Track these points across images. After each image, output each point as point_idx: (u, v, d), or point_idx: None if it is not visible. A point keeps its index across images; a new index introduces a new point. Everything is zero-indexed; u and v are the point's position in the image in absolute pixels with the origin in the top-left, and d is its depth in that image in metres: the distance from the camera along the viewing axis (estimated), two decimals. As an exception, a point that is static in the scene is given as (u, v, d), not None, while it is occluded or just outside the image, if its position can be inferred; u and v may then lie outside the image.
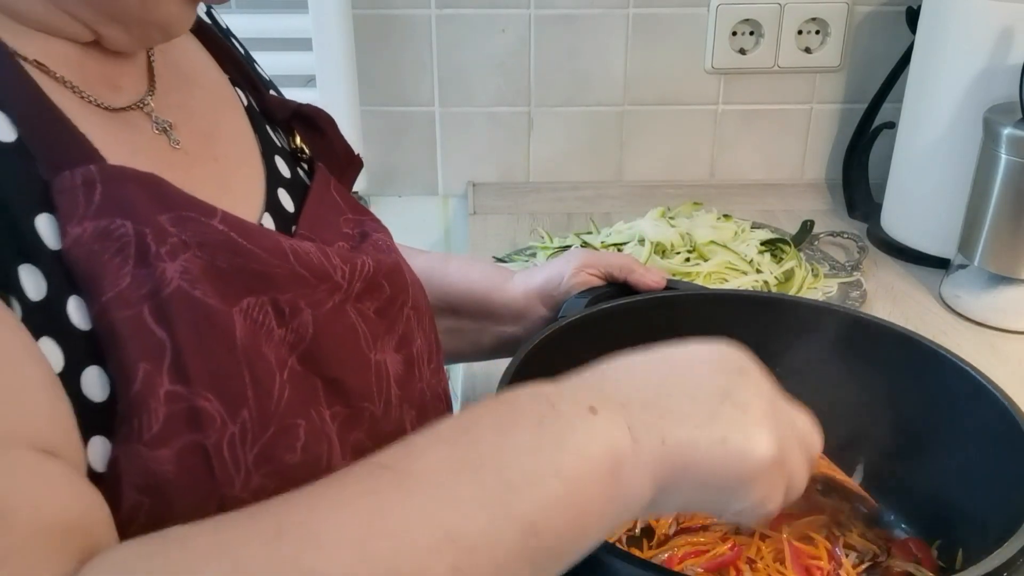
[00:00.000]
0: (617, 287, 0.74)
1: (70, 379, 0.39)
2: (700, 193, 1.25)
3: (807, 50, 1.24)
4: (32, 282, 0.39)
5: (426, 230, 1.35)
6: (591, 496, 0.38)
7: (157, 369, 0.40)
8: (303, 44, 1.18)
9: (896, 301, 1.02)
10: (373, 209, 1.31)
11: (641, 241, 1.03)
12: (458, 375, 0.98)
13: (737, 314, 0.70)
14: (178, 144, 0.51)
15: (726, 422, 0.41)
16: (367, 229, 0.59)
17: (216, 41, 0.59)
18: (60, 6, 0.45)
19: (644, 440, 0.40)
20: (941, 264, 1.05)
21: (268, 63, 1.33)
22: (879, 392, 0.65)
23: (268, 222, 0.53)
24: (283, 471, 0.43)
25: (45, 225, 0.40)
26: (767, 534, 0.61)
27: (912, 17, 1.12)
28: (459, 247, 1.35)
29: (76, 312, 0.40)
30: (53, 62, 0.46)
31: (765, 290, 0.97)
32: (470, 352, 0.80)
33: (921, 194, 1.09)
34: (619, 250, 1.04)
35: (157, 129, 0.50)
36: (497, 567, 0.35)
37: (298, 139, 0.61)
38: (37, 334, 0.39)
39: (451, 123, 1.28)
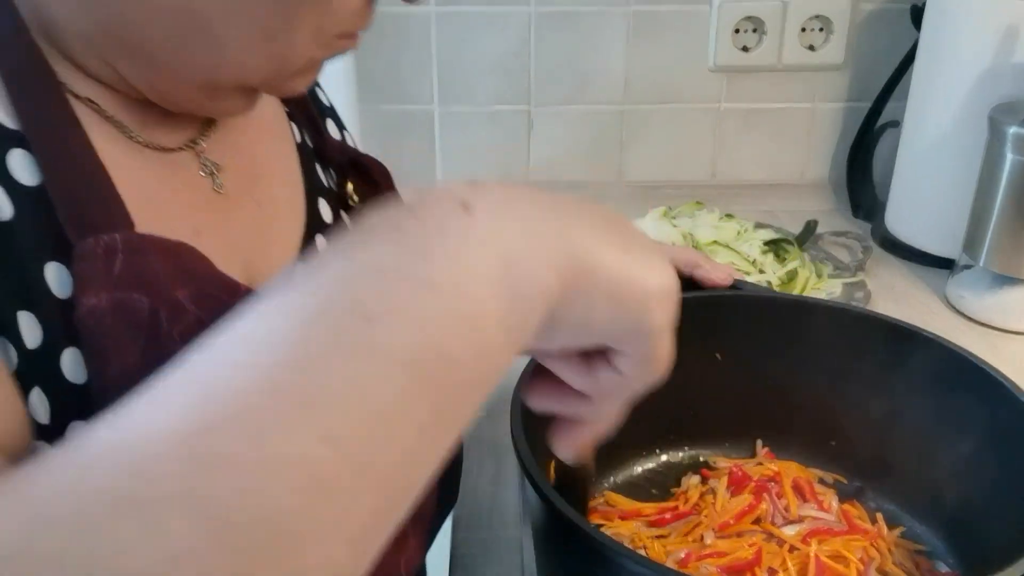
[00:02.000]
0: (683, 282, 0.73)
1: (54, 432, 0.38)
2: (702, 193, 1.24)
3: (811, 48, 1.23)
4: (30, 329, 0.38)
5: (426, 230, 1.34)
6: (480, 303, 0.31)
7: None
8: (302, 42, 1.17)
9: (900, 301, 1.02)
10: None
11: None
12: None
13: (801, 320, 0.69)
14: (221, 188, 0.50)
15: (621, 235, 0.36)
16: None
17: None
18: (117, 71, 0.44)
19: (538, 234, 0.33)
20: (946, 264, 1.04)
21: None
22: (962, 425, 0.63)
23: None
24: None
25: (54, 274, 0.39)
26: (797, 547, 0.61)
27: (916, 15, 1.11)
28: (459, 247, 1.34)
29: (70, 364, 0.39)
30: (107, 103, 0.45)
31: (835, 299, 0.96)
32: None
33: (926, 194, 1.08)
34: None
35: (204, 172, 0.49)
36: (382, 420, 0.27)
37: (350, 186, 0.60)
38: (31, 383, 0.38)
39: (451, 122, 1.28)
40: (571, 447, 0.42)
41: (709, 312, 0.70)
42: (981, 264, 0.96)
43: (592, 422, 0.42)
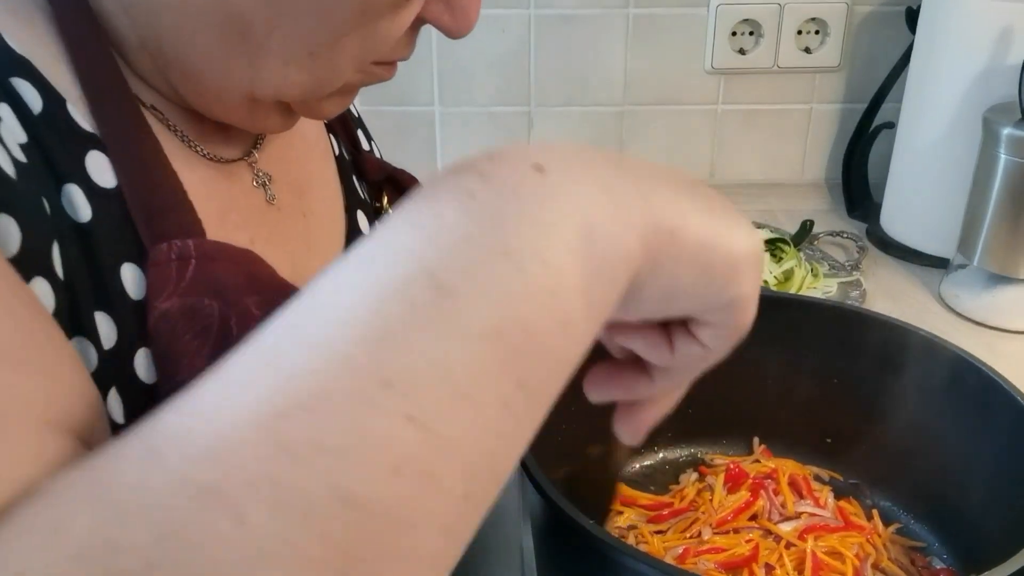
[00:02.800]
0: None
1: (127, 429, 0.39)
2: (700, 193, 1.25)
3: (807, 50, 1.24)
4: (106, 330, 0.39)
5: (426, 230, 1.35)
6: (560, 273, 0.29)
7: None
8: (303, 44, 1.18)
9: (895, 300, 1.02)
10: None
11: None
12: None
13: (798, 319, 0.70)
14: (273, 199, 0.51)
15: (704, 199, 0.34)
16: None
17: None
18: (169, 81, 0.45)
19: (619, 196, 0.31)
20: (940, 264, 1.05)
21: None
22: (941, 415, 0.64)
23: None
24: None
25: (130, 276, 0.40)
26: (794, 543, 0.61)
27: (912, 17, 1.12)
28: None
29: (144, 365, 0.40)
30: (169, 111, 0.46)
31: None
32: None
33: (921, 194, 1.09)
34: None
35: (256, 183, 0.50)
36: (463, 396, 0.26)
37: (386, 201, 0.60)
38: (109, 384, 0.38)
39: (451, 123, 1.28)
40: (638, 431, 0.41)
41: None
42: (975, 263, 0.97)
43: (656, 402, 0.40)
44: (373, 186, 0.61)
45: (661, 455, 0.73)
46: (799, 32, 1.22)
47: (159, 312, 0.39)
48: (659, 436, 0.72)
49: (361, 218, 0.57)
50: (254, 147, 0.51)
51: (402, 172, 0.62)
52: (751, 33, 1.23)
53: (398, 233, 0.29)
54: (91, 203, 0.39)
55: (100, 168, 0.40)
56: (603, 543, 0.46)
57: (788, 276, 1.01)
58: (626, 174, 0.32)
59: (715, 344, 0.37)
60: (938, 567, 0.63)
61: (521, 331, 0.28)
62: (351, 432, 0.24)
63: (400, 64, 0.47)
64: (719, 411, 0.72)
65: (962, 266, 1.00)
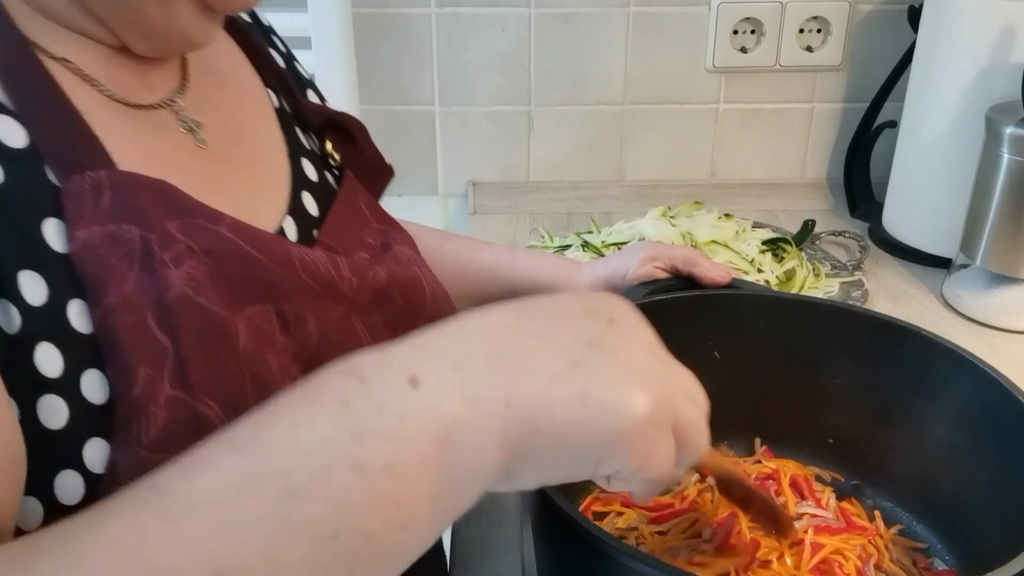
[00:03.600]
0: (682, 280, 0.74)
1: (70, 382, 0.39)
2: (701, 192, 1.25)
3: (808, 49, 1.24)
4: (33, 287, 0.39)
5: (426, 230, 1.35)
6: (409, 485, 0.32)
7: (159, 374, 0.40)
8: (303, 43, 1.18)
9: (897, 300, 1.02)
10: (373, 209, 1.32)
11: (641, 241, 1.03)
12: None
13: (799, 319, 0.69)
14: (204, 144, 0.51)
15: (587, 373, 0.35)
16: (390, 240, 0.59)
17: (252, 43, 0.60)
18: (88, 11, 0.46)
19: (483, 404, 0.34)
20: (943, 263, 1.05)
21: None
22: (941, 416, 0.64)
23: (290, 225, 0.53)
24: None
25: (52, 229, 0.41)
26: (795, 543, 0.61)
27: (914, 16, 1.12)
28: (459, 247, 1.35)
29: (77, 316, 0.40)
30: (83, 60, 0.46)
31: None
32: None
33: (923, 193, 1.09)
34: (619, 250, 1.03)
35: (184, 128, 0.51)
36: None
37: (329, 145, 0.61)
38: (36, 339, 0.39)
39: (451, 123, 1.28)
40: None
41: (707, 311, 0.70)
42: (978, 263, 0.97)
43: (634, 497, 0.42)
44: (317, 133, 0.62)
45: (661, 456, 0.72)
46: (801, 31, 1.22)
47: (79, 241, 0.40)
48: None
49: (307, 165, 0.58)
50: (179, 93, 0.52)
51: (343, 115, 0.62)
52: (752, 32, 1.23)
53: (276, 426, 0.33)
54: (2, 165, 0.40)
55: (8, 131, 0.41)
56: (603, 543, 0.46)
57: (790, 276, 1.00)
58: (499, 362, 0.35)
59: (634, 491, 0.40)
60: (940, 568, 0.62)
61: (359, 537, 0.32)
62: None
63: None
64: (720, 411, 0.71)
65: (964, 266, 1.00)
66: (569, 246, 1.07)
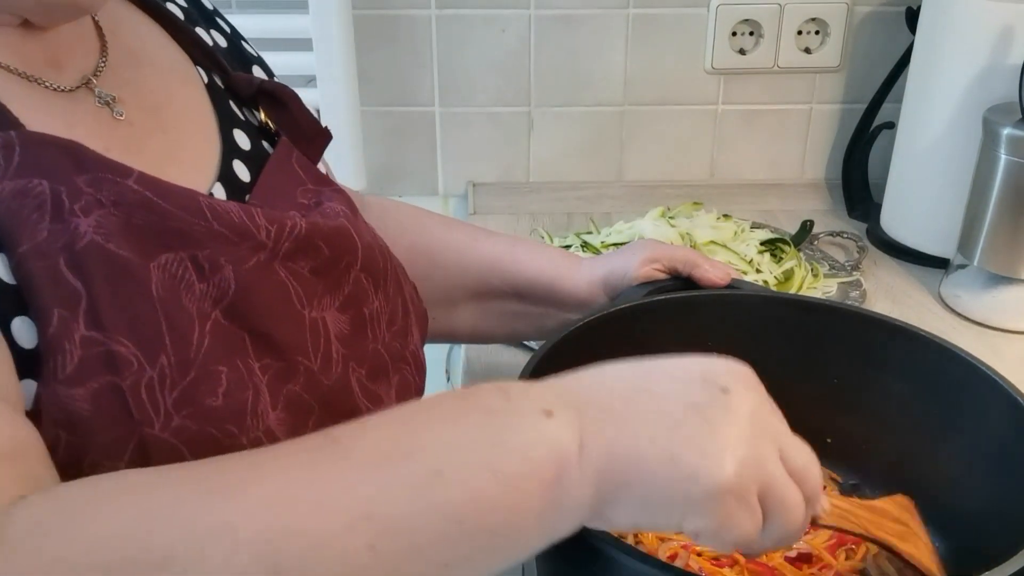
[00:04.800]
0: (681, 281, 0.74)
1: (1, 329, 0.42)
2: (700, 193, 1.25)
3: (807, 50, 1.24)
4: None
5: (426, 230, 1.35)
6: (527, 499, 0.38)
7: (72, 315, 0.43)
8: (303, 44, 1.18)
9: (895, 301, 1.03)
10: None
11: (641, 240, 1.03)
12: (458, 373, 0.98)
13: (798, 319, 0.69)
14: (122, 115, 0.53)
15: (684, 439, 0.39)
16: (323, 199, 0.61)
17: (176, 26, 0.62)
18: None
19: (592, 449, 0.39)
20: (941, 264, 1.05)
21: (268, 63, 1.32)
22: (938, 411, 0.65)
23: (219, 191, 0.56)
24: (204, 413, 0.46)
25: None
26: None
27: (912, 17, 1.12)
28: (459, 247, 1.35)
29: (2, 268, 0.43)
30: None
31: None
32: (534, 335, 0.82)
33: (921, 194, 1.09)
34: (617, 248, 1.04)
35: (100, 103, 0.53)
36: (416, 550, 0.36)
37: (263, 115, 0.63)
38: None
39: (451, 123, 1.28)
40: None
41: (706, 311, 0.70)
42: (975, 264, 0.97)
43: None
44: (249, 102, 0.64)
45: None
46: (799, 32, 1.23)
47: None
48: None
49: (239, 135, 0.60)
50: (94, 75, 0.54)
51: (273, 83, 0.65)
52: (751, 33, 1.23)
53: (431, 415, 0.40)
54: None
55: None
56: (603, 543, 0.46)
57: (788, 276, 1.01)
58: (611, 415, 0.40)
59: (716, 548, 0.43)
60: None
61: (480, 528, 0.37)
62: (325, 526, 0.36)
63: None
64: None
65: (962, 266, 1.00)
66: (569, 246, 1.08)
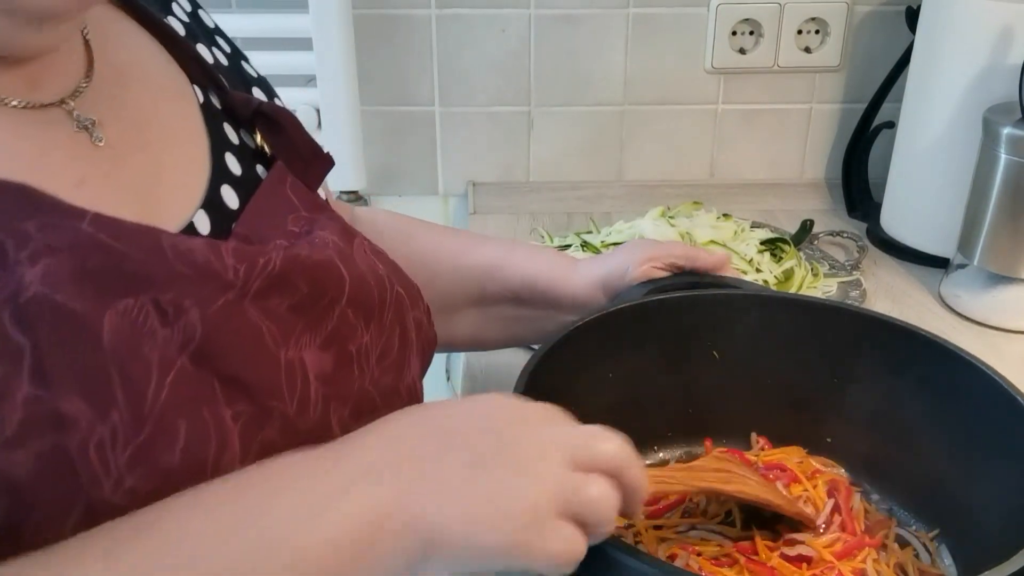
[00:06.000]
0: (680, 278, 0.74)
1: None
2: (700, 193, 1.25)
3: (807, 50, 1.24)
4: None
5: (426, 230, 1.35)
6: (345, 560, 0.40)
7: (15, 372, 0.40)
8: (303, 44, 1.18)
9: (895, 300, 1.03)
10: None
11: (638, 239, 1.03)
12: (459, 373, 0.98)
13: (798, 319, 0.69)
14: (101, 141, 0.51)
15: (470, 494, 0.42)
16: (315, 227, 0.58)
17: (175, 42, 0.60)
18: None
19: (389, 522, 0.42)
20: (941, 263, 1.05)
21: (268, 63, 1.33)
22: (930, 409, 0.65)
23: (202, 219, 0.53)
24: (160, 473, 0.43)
25: None
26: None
27: (912, 17, 1.12)
28: (459, 247, 1.35)
29: None
30: None
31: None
32: (533, 338, 0.81)
33: (921, 193, 1.09)
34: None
35: (78, 127, 0.50)
36: None
37: (259, 137, 0.61)
38: None
39: (451, 123, 1.29)
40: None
41: (706, 311, 0.70)
42: (975, 263, 0.97)
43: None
44: (246, 124, 0.61)
45: (661, 455, 0.73)
46: (799, 32, 1.23)
47: None
48: (658, 436, 0.72)
49: (231, 160, 0.58)
50: (74, 96, 0.51)
51: (272, 106, 0.62)
52: (751, 33, 1.23)
53: (252, 495, 0.43)
54: None
55: None
56: (603, 543, 0.46)
57: (788, 276, 1.01)
58: (406, 484, 0.43)
59: (551, 571, 0.45)
60: (940, 569, 0.63)
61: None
62: None
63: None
64: (718, 411, 0.72)
65: (962, 266, 1.00)
66: (569, 246, 1.08)
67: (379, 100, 1.26)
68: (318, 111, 1.21)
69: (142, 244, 0.46)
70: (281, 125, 0.61)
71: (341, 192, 1.26)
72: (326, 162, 0.64)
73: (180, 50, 0.60)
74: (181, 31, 0.61)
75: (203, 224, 0.53)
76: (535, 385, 0.60)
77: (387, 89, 1.26)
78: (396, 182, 1.32)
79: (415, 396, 0.62)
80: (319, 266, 0.54)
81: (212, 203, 0.54)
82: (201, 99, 0.59)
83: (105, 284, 0.44)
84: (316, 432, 0.51)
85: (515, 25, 1.23)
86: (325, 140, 1.21)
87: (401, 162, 1.31)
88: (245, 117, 0.61)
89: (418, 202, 1.33)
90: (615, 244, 1.05)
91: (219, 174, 0.56)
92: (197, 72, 0.60)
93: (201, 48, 0.61)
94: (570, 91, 1.27)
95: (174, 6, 0.62)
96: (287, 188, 0.59)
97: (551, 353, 0.62)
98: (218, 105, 0.60)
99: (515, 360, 0.90)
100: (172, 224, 0.51)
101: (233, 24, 1.24)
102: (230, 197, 0.56)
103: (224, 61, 0.64)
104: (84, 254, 0.43)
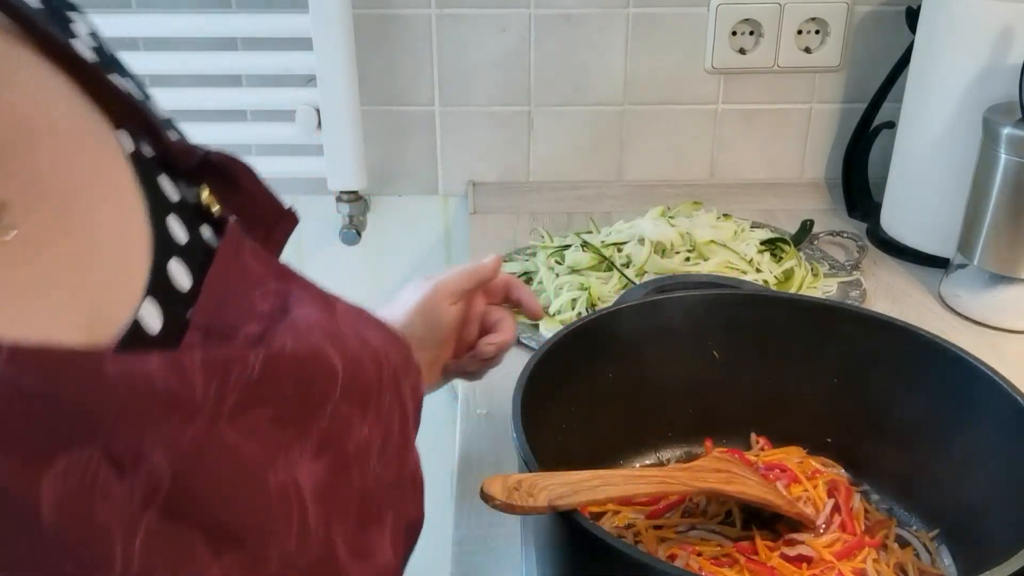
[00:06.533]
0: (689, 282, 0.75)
1: None
2: (700, 192, 1.25)
3: (807, 50, 1.24)
4: None
5: (426, 230, 1.35)
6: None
7: None
8: (303, 44, 1.18)
9: (895, 300, 1.03)
10: (374, 209, 1.32)
11: (641, 241, 1.03)
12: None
13: (798, 319, 0.70)
14: (12, 232, 0.38)
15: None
16: (291, 303, 0.46)
17: (88, 73, 0.46)
18: None
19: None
20: (941, 263, 1.05)
21: (268, 63, 1.33)
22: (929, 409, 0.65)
23: (150, 311, 0.41)
24: None
25: None
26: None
27: (912, 17, 1.12)
28: (459, 247, 1.35)
29: None
30: None
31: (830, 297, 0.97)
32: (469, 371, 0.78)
33: (921, 193, 1.09)
34: (618, 249, 1.04)
35: None
36: None
37: (205, 193, 0.49)
38: None
39: (451, 123, 1.29)
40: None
41: (706, 311, 0.71)
42: (975, 263, 0.97)
43: None
44: (190, 178, 0.48)
45: (661, 455, 0.73)
46: (799, 32, 1.23)
47: None
48: (658, 436, 0.72)
49: (174, 224, 0.45)
50: None
51: (221, 155, 0.49)
52: (751, 33, 1.23)
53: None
54: None
55: None
56: (603, 542, 0.46)
57: (788, 276, 1.01)
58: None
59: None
60: (940, 568, 0.63)
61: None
62: None
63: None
64: (718, 411, 0.72)
65: (962, 266, 1.00)
66: (569, 246, 1.08)
67: (379, 100, 1.26)
68: (318, 111, 1.21)
69: (79, 377, 0.34)
70: (236, 179, 0.49)
71: (341, 192, 1.26)
72: (291, 221, 0.52)
73: (97, 85, 0.46)
74: (91, 57, 0.47)
75: (153, 318, 0.41)
76: (535, 385, 0.60)
77: (387, 89, 1.26)
78: (396, 182, 1.32)
79: (417, 484, 0.53)
80: (308, 361, 0.44)
81: (160, 287, 0.42)
82: (130, 148, 0.46)
83: (38, 438, 0.33)
84: (320, 566, 0.42)
85: (515, 25, 1.23)
86: (325, 140, 1.21)
87: (401, 162, 1.31)
88: (187, 170, 0.48)
89: (418, 202, 1.33)
90: (615, 244, 1.05)
91: (163, 246, 0.43)
92: (122, 112, 0.46)
93: (116, 79, 0.48)
94: (570, 91, 1.27)
95: (74, 26, 0.47)
96: (247, 255, 0.47)
97: (551, 353, 0.62)
98: (150, 153, 0.47)
99: (516, 360, 0.90)
100: (113, 325, 0.39)
101: (233, 24, 1.24)
102: (180, 275, 0.43)
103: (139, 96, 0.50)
104: (7, 404, 0.33)
